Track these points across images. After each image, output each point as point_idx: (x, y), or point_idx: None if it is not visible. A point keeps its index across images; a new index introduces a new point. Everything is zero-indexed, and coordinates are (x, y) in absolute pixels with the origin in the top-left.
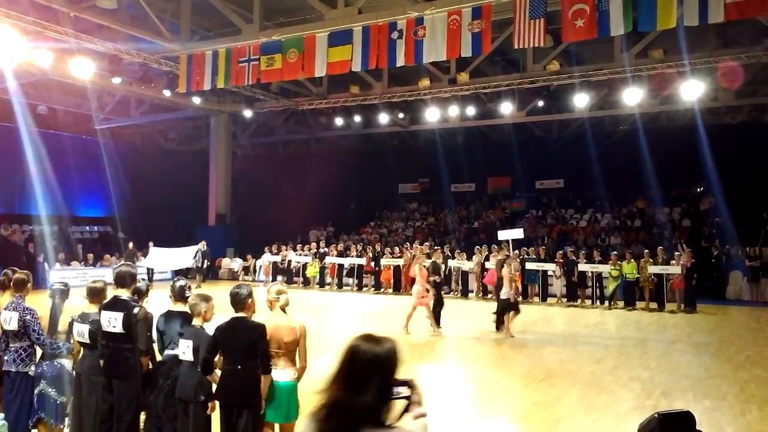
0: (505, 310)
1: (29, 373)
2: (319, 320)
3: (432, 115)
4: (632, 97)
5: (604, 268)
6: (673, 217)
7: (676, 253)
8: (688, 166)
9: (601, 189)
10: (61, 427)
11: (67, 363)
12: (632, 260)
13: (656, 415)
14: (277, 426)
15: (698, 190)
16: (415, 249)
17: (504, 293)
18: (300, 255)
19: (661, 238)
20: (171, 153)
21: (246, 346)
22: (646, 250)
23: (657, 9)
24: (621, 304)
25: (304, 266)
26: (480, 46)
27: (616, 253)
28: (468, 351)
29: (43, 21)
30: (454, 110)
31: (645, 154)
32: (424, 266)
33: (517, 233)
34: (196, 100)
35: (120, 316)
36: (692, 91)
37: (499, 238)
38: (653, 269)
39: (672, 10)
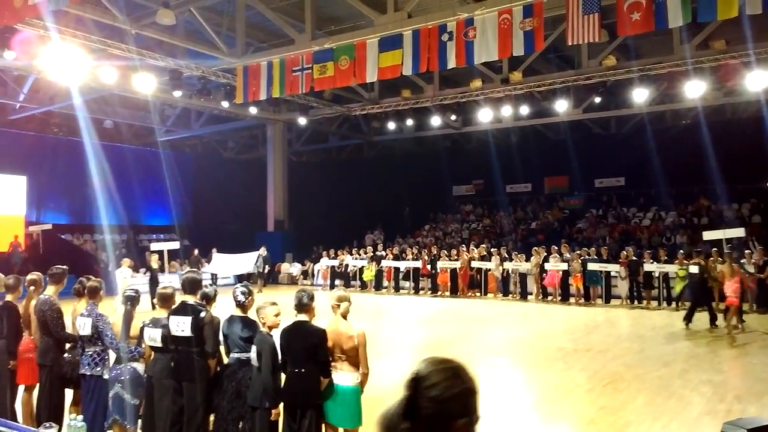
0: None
1: (104, 376)
2: (377, 324)
3: (485, 116)
4: (694, 90)
5: (671, 268)
6: (742, 213)
7: (746, 251)
8: (756, 159)
9: (664, 186)
10: (134, 428)
11: (139, 367)
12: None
13: None
14: (341, 431)
15: None
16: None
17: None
18: (356, 259)
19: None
20: (230, 162)
21: (308, 350)
22: (715, 249)
23: None
24: (689, 305)
25: (361, 270)
26: (532, 45)
27: (682, 252)
28: (529, 354)
29: (107, 39)
30: (507, 110)
31: (709, 148)
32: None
33: (736, 232)
34: (253, 110)
35: (188, 320)
36: (758, 81)
37: (706, 238)
38: (722, 268)
39: None
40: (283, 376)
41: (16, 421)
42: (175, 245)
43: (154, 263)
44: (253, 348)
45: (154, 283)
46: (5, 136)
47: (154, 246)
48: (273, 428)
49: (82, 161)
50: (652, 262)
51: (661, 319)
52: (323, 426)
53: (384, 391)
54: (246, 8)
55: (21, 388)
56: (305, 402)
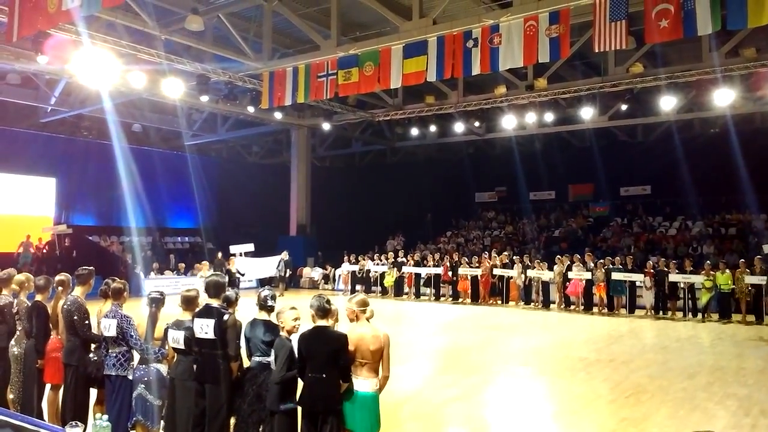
0: None
1: (128, 377)
2: (397, 330)
3: (509, 123)
4: (723, 98)
5: (697, 279)
6: None
7: None
8: None
9: (692, 195)
10: (156, 429)
11: (163, 368)
12: (727, 270)
13: None
14: None
15: None
16: None
17: None
18: (378, 264)
19: (759, 247)
20: (254, 166)
21: (329, 356)
22: (742, 260)
23: (747, 5)
24: (715, 316)
25: (382, 275)
26: (558, 51)
27: (709, 262)
28: (550, 364)
29: (137, 44)
30: (531, 117)
31: (738, 157)
32: None
33: None
34: (278, 115)
35: (212, 323)
36: None
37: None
38: (750, 280)
39: (764, 6)
40: (300, 382)
41: (42, 419)
42: (250, 247)
43: (232, 266)
44: (273, 352)
45: (232, 286)
46: (36, 139)
47: (233, 248)
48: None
49: (111, 164)
50: (677, 273)
51: (686, 331)
52: None
53: (402, 396)
54: (273, 14)
55: (47, 387)
56: (326, 408)
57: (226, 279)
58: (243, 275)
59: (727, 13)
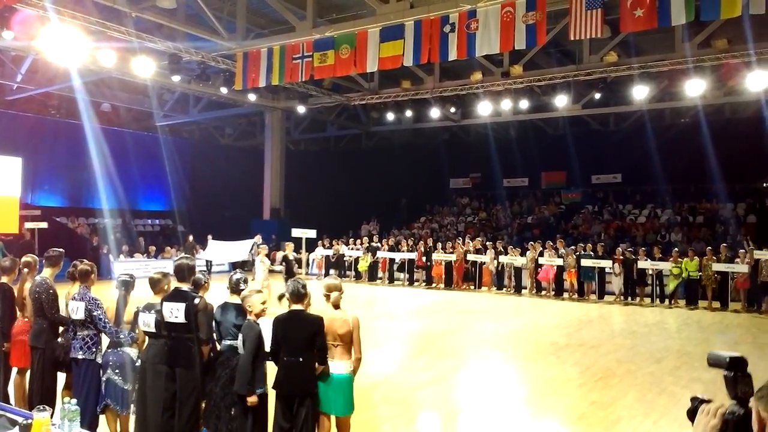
0: None
1: (96, 360)
2: (370, 314)
3: (484, 109)
4: (694, 88)
5: (665, 266)
6: (737, 213)
7: (740, 250)
8: (754, 159)
9: (662, 183)
10: (127, 413)
11: (132, 352)
12: (695, 257)
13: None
14: (333, 418)
15: (765, 185)
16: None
17: None
18: (352, 249)
19: (726, 235)
20: (227, 148)
21: (305, 339)
22: (709, 248)
23: None
24: (682, 302)
25: (356, 260)
26: (534, 38)
27: (677, 249)
28: (522, 348)
29: (107, 21)
30: (506, 104)
31: (708, 147)
32: None
33: None
34: (252, 96)
35: (182, 306)
36: (758, 81)
37: None
38: (717, 267)
39: None
40: (270, 365)
41: (8, 403)
42: (312, 233)
43: (290, 252)
44: (240, 335)
45: (290, 273)
46: (2, 117)
47: (294, 232)
48: (263, 414)
49: (80, 144)
50: (646, 260)
51: (654, 316)
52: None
53: (375, 379)
54: None
55: (14, 371)
56: (303, 391)
57: (194, 262)
58: (299, 263)
59: (701, 4)
